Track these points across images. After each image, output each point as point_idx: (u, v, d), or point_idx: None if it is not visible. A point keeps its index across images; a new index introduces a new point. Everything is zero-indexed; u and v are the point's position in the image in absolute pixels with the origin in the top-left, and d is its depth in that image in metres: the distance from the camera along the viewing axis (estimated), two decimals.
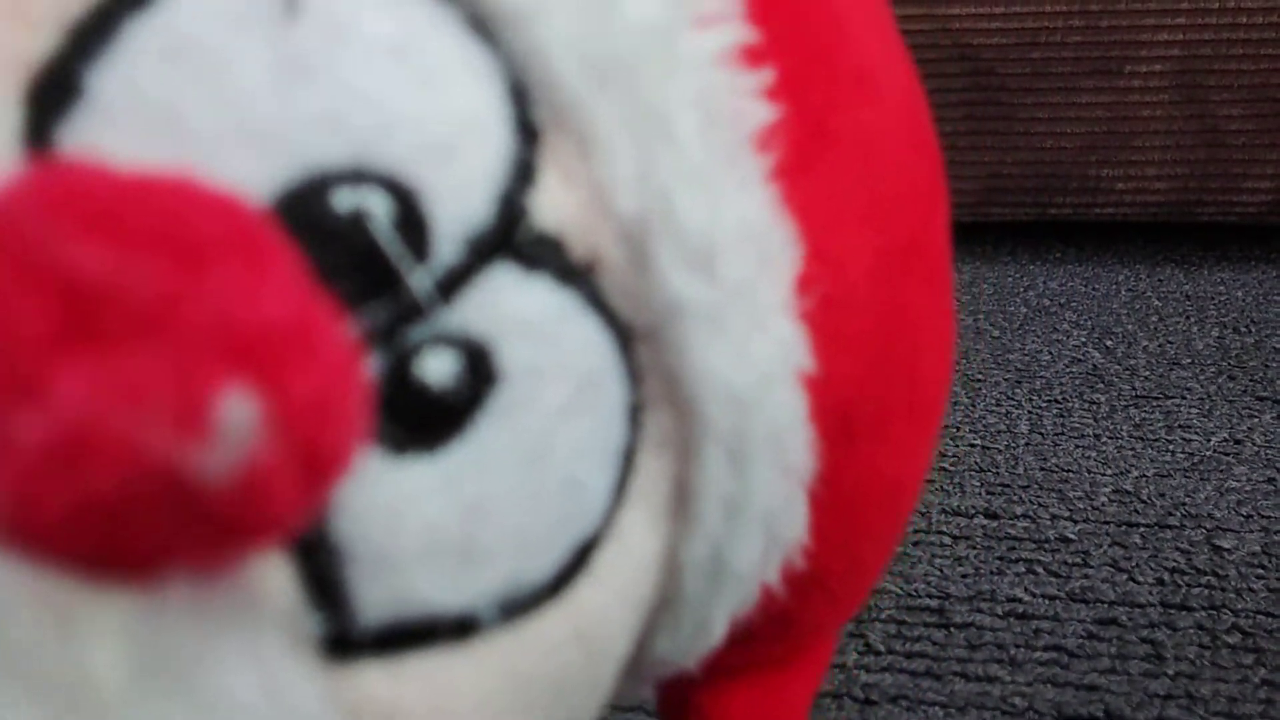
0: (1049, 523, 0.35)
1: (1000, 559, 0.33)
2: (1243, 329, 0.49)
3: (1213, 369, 0.45)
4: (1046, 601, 0.31)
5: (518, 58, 0.11)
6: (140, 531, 0.08)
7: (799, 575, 0.14)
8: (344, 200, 0.10)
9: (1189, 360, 0.46)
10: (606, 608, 0.12)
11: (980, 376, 0.45)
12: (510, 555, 0.11)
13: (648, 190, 0.11)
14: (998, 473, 0.38)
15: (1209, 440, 0.40)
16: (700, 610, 0.14)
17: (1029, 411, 0.42)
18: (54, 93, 0.09)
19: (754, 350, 0.12)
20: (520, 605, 0.11)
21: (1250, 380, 0.44)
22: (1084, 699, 0.28)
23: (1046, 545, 0.34)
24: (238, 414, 0.07)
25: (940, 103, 0.56)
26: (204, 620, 0.09)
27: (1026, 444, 0.40)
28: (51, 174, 0.08)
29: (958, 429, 0.41)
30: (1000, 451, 0.39)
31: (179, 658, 0.09)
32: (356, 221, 0.10)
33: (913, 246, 0.15)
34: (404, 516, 0.10)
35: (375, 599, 0.10)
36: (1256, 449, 0.39)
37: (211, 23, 0.10)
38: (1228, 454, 0.39)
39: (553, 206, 0.11)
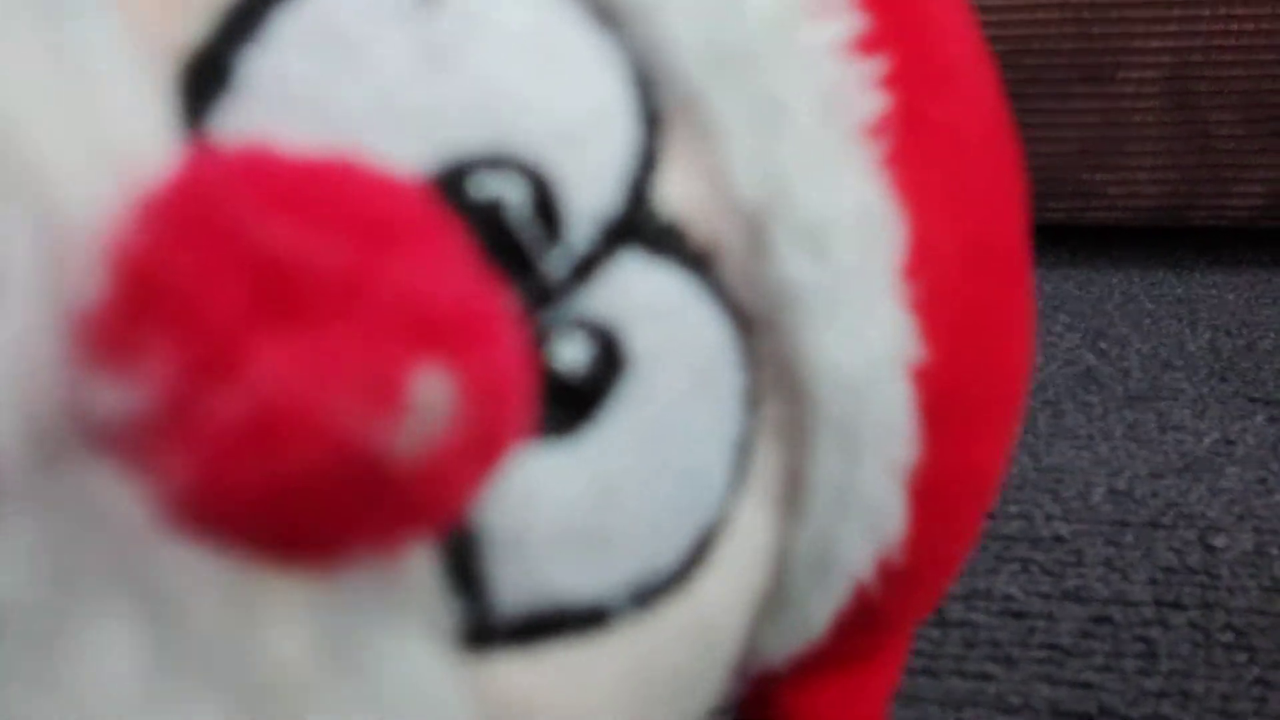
0: (1043, 522, 0.35)
1: (996, 558, 0.33)
2: (1234, 332, 0.50)
3: (1205, 371, 0.46)
4: (1041, 600, 0.31)
5: (641, 48, 0.11)
6: (327, 511, 0.08)
7: (892, 569, 0.14)
8: (483, 186, 0.10)
9: (1181, 362, 0.46)
10: (724, 599, 0.12)
11: None
12: (639, 543, 0.11)
13: (767, 177, 0.12)
14: None
15: (1201, 441, 0.40)
16: (803, 604, 0.14)
17: (1024, 413, 0.42)
18: (206, 78, 0.10)
19: (866, 336, 0.12)
20: (649, 594, 0.11)
21: (1242, 382, 0.45)
22: (1078, 696, 0.28)
23: (1041, 544, 0.34)
24: (431, 393, 0.07)
25: None
26: (374, 605, 0.09)
27: (1021, 444, 0.40)
28: (234, 155, 0.08)
29: None
30: None
31: (356, 642, 0.09)
32: (494, 207, 0.10)
33: (995, 239, 0.15)
34: (539, 502, 0.10)
35: (512, 587, 0.10)
36: (1248, 449, 0.39)
37: (354, 12, 0.10)
38: (1220, 454, 0.39)
39: (676, 193, 0.11)
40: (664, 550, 0.11)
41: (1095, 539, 0.34)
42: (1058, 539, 0.34)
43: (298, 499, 0.07)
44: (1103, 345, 0.48)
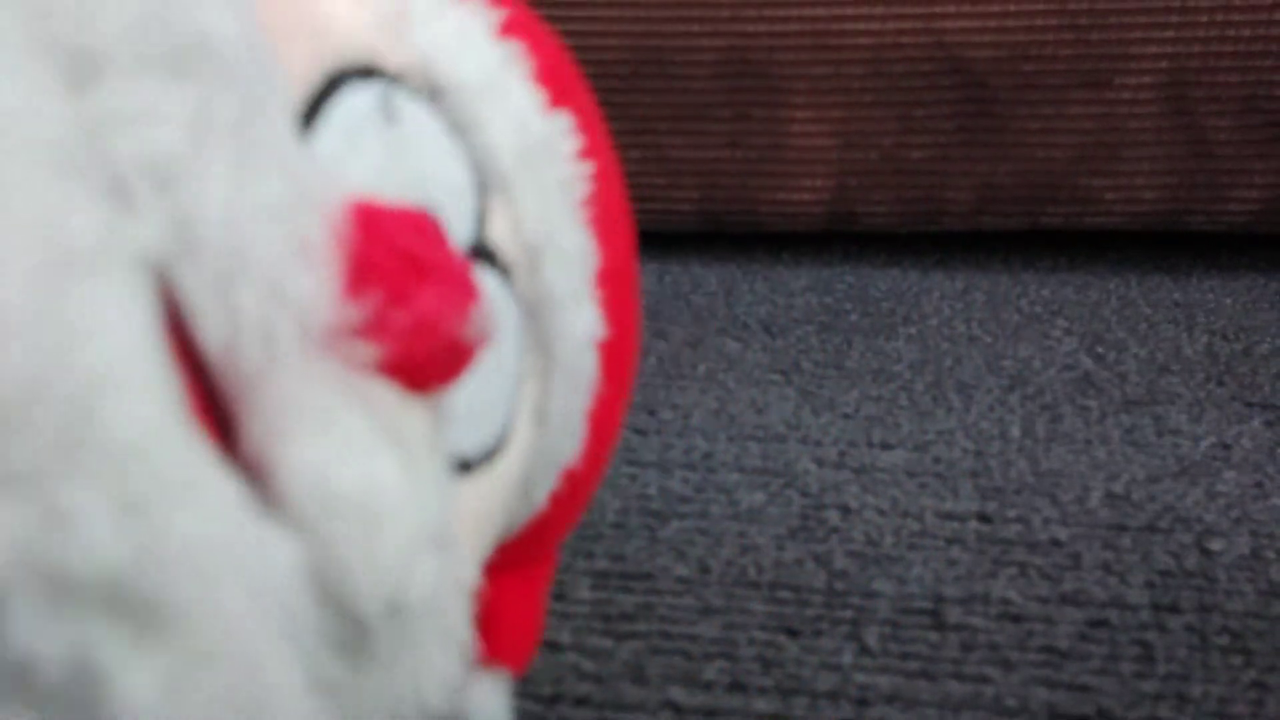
0: (1041, 526, 0.35)
1: (993, 562, 0.34)
2: (1231, 336, 0.50)
3: (1202, 375, 0.46)
4: (1039, 603, 0.32)
5: (478, 150, 0.19)
6: (442, 364, 0.15)
7: (569, 480, 0.23)
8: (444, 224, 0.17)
9: (1178, 367, 0.47)
10: (514, 467, 0.20)
11: (973, 383, 0.46)
12: (486, 422, 0.19)
13: (543, 227, 0.20)
14: (990, 477, 0.38)
15: (1198, 445, 0.40)
16: (536, 488, 0.22)
17: (1021, 417, 0.42)
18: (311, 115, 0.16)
19: (581, 319, 0.21)
20: (489, 454, 0.19)
21: (1239, 386, 0.45)
22: (1076, 699, 0.28)
23: (1039, 548, 0.34)
24: (476, 315, 0.15)
25: (933, 114, 0.56)
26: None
27: (1019, 449, 0.40)
28: (376, 209, 0.15)
29: (951, 434, 0.41)
30: (993, 456, 0.40)
31: None
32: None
33: (627, 264, 0.24)
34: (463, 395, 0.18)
35: (470, 444, 0.19)
36: (1245, 453, 0.39)
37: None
38: (1217, 459, 0.39)
39: (494, 231, 0.19)
40: (494, 428, 0.19)
41: (1093, 543, 0.34)
42: (1055, 543, 0.34)
43: (430, 358, 0.15)
44: (1100, 350, 0.49)
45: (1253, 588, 0.32)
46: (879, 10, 0.56)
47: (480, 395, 0.18)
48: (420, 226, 0.15)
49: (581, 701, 0.28)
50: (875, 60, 0.56)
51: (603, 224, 0.22)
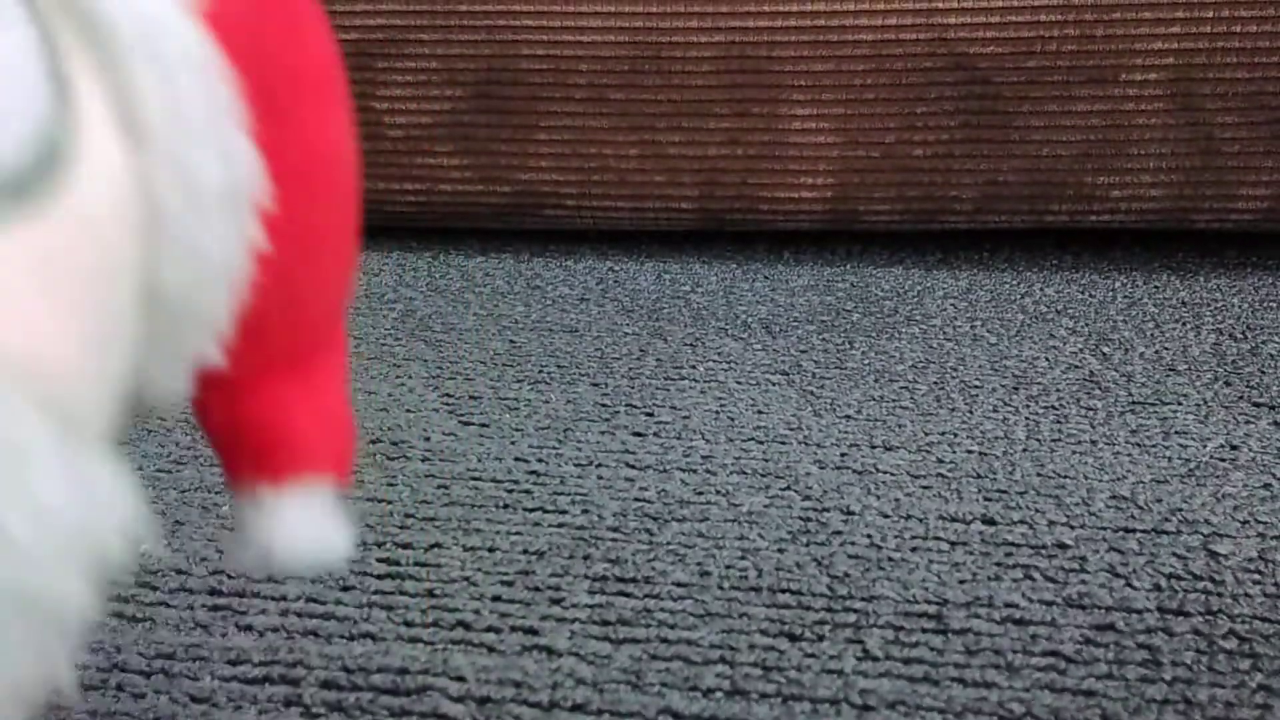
0: (1046, 529, 0.35)
1: (998, 565, 0.33)
2: (1238, 335, 0.49)
3: (1209, 375, 0.45)
4: (1044, 607, 0.31)
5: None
6: None
7: (273, 255, 0.18)
8: None
9: (1185, 367, 0.46)
10: (100, 205, 0.14)
11: (978, 383, 0.45)
12: None
13: None
14: (995, 479, 0.38)
15: (1205, 446, 0.40)
16: (189, 233, 0.16)
17: (1026, 418, 0.42)
18: None
19: None
20: (23, 178, 0.13)
21: (1246, 386, 0.44)
22: (1081, 705, 0.28)
23: (1044, 551, 0.34)
24: None
25: (937, 111, 0.56)
26: None
27: (1024, 450, 0.40)
28: None
29: (955, 435, 0.41)
30: (997, 458, 0.39)
31: None
32: None
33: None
34: None
35: None
36: (1253, 455, 0.39)
37: None
38: (1224, 460, 0.39)
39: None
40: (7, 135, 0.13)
41: (1098, 545, 0.34)
42: (1060, 545, 0.34)
43: None
44: (1106, 350, 0.48)
45: (1260, 591, 0.32)
46: (880, 6, 0.55)
47: None
48: None
49: (579, 708, 0.28)
50: (877, 57, 0.56)
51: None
